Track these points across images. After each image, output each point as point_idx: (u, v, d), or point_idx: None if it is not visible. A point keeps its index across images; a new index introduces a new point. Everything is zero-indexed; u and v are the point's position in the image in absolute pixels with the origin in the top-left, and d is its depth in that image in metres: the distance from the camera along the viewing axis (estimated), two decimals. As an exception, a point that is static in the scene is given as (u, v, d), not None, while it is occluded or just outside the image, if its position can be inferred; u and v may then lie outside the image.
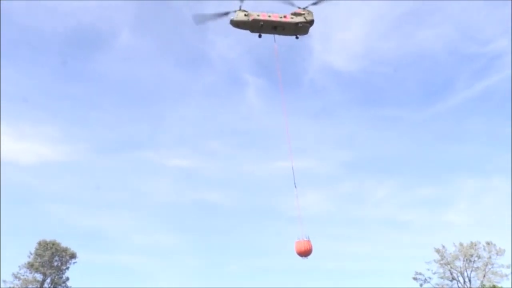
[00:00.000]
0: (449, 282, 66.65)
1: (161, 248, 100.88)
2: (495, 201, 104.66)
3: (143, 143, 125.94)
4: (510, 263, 64.28)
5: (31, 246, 65.83)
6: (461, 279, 66.28)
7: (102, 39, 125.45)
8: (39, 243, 65.76)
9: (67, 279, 65.82)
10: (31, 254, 65.05)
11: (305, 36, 31.07)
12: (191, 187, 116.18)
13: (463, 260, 66.62)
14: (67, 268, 66.34)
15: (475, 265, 65.93)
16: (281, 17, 29.65)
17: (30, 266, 63.80)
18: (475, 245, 66.45)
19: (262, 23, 29.22)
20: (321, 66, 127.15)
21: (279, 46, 31.29)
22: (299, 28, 29.93)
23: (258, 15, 29.27)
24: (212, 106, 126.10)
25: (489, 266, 65.17)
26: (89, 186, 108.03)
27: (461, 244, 67.45)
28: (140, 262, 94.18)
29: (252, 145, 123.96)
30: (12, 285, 62.22)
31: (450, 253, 67.48)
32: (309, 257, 25.60)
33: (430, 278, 67.60)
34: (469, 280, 65.76)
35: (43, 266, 63.88)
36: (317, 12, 30.90)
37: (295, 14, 30.02)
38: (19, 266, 63.98)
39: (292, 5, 30.12)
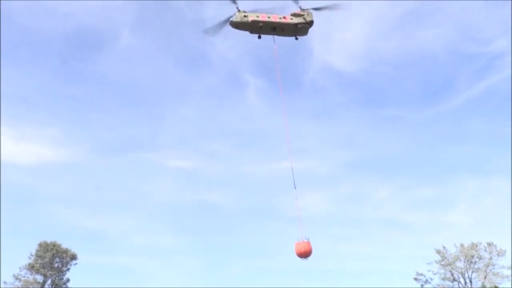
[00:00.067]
0: (450, 283, 66.62)
1: (162, 249, 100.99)
2: (496, 201, 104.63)
3: (144, 143, 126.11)
4: (510, 264, 64.29)
5: (32, 247, 66.01)
6: (462, 280, 66.25)
7: (103, 40, 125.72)
8: (40, 245, 65.80)
9: (68, 280, 65.89)
10: (31, 255, 65.13)
11: (305, 36, 31.07)
12: (192, 188, 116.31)
13: (464, 261, 66.55)
14: (68, 269, 66.40)
15: (476, 266, 65.88)
16: (280, 18, 29.62)
17: (31, 267, 63.83)
18: (476, 246, 66.38)
19: (261, 24, 29.19)
20: (322, 66, 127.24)
21: (279, 46, 31.31)
22: (298, 29, 29.88)
23: (257, 16, 29.24)
24: (213, 106, 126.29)
25: (490, 267, 65.12)
26: (89, 187, 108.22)
27: (462, 245, 67.40)
28: (140, 263, 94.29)
29: (252, 146, 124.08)
30: (12, 287, 62.31)
31: (451, 254, 67.46)
32: (309, 258, 25.61)
33: (431, 279, 67.64)
34: (470, 281, 65.70)
35: (43, 268, 63.90)
36: (318, 13, 30.92)
37: (295, 15, 29.98)
38: (19, 268, 64.11)
39: (296, 2, 29.97)
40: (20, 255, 69.73)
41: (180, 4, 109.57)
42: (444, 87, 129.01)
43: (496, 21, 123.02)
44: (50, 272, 64.04)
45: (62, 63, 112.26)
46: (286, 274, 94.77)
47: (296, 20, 29.92)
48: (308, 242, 25.44)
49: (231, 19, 29.43)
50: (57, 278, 64.86)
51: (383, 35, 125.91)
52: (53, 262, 64.93)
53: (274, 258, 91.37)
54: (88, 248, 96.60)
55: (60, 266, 65.60)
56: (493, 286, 62.46)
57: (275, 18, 29.73)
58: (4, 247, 75.00)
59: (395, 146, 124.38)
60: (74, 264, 66.89)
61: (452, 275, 66.83)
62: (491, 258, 65.57)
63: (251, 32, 29.84)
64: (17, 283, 62.52)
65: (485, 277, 64.64)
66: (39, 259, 64.40)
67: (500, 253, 65.54)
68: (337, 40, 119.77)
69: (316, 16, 31.03)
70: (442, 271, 67.40)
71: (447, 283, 66.67)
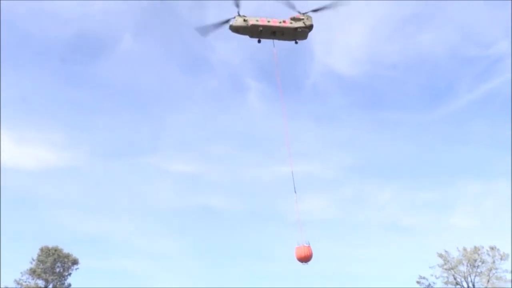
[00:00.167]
0: (452, 287, 66.34)
1: (164, 253, 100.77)
2: (499, 204, 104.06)
3: (145, 147, 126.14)
4: (510, 268, 64.14)
5: (33, 252, 66.02)
6: (464, 284, 65.98)
7: (104, 44, 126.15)
8: (41, 249, 65.82)
9: (69, 285, 65.85)
10: (33, 260, 65.13)
11: (307, 40, 31.13)
12: (193, 191, 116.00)
13: (467, 265, 66.34)
14: (69, 274, 66.39)
15: (479, 270, 65.63)
16: (280, 22, 29.69)
17: (32, 272, 63.84)
18: (479, 250, 66.16)
19: (261, 28, 29.27)
20: (323, 70, 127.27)
21: (281, 50, 31.41)
22: (298, 33, 29.96)
23: (257, 20, 29.32)
24: (214, 110, 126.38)
25: (493, 271, 64.88)
26: (91, 191, 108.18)
27: (464, 249, 67.19)
28: (142, 267, 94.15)
29: (254, 149, 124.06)
30: (14, 292, 62.34)
31: (454, 258, 67.25)
32: (310, 262, 25.55)
33: (434, 283, 67.43)
34: (473, 285, 65.44)
35: (45, 273, 63.90)
36: (319, 16, 30.94)
37: (294, 19, 30.05)
38: (21, 273, 64.12)
39: (293, 7, 30.01)
40: (21, 260, 69.74)
41: (182, 7, 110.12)
42: (446, 90, 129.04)
43: (497, 23, 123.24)
44: (51, 277, 64.03)
45: (61, 61, 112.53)
46: (288, 278, 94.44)
47: (295, 24, 30.00)
48: (309, 247, 25.41)
49: (231, 23, 29.52)
50: (58, 283, 64.83)
51: (384, 38, 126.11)
52: (54, 267, 64.93)
53: (276, 262, 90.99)
54: (90, 253, 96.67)
55: (61, 271, 65.59)
56: (496, 290, 62.21)
57: (274, 23, 29.81)
58: (5, 251, 75.11)
59: (396, 149, 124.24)
60: (76, 268, 66.93)
61: (455, 279, 66.60)
62: (494, 262, 65.33)
63: (251, 36, 29.93)
64: (19, 288, 62.60)
65: (488, 281, 64.38)
66: (41, 264, 64.42)
67: (503, 257, 65.32)
68: (339, 44, 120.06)
69: (317, 20, 31.10)
70: (445, 274, 67.25)
71: (450, 287, 66.46)
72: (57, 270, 65.24)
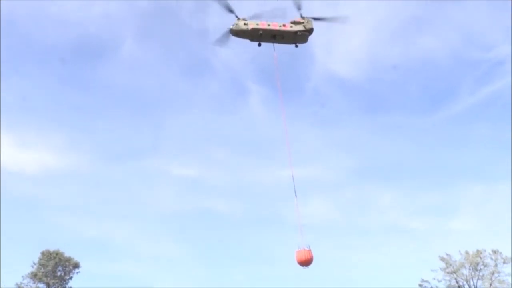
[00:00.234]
0: (455, 291, 66.15)
1: (165, 257, 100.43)
2: (501, 207, 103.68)
3: (147, 151, 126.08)
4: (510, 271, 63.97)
5: (35, 256, 66.06)
6: (467, 287, 65.72)
7: (106, 48, 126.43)
8: (43, 253, 65.84)
9: (70, 288, 65.93)
10: (34, 264, 65.14)
11: (308, 43, 31.19)
12: (195, 195, 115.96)
13: (469, 269, 66.13)
14: (71, 278, 66.38)
15: (481, 274, 65.42)
16: (280, 26, 29.75)
17: (34, 276, 63.85)
18: (481, 253, 65.95)
19: (261, 32, 29.34)
20: (324, 73, 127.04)
21: (282, 54, 31.46)
22: (298, 37, 29.98)
23: (257, 24, 29.39)
24: (216, 114, 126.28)
25: (496, 275, 64.64)
26: (92, 194, 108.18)
27: (467, 252, 67.00)
28: (144, 272, 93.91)
29: (256, 153, 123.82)
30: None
31: (456, 261, 67.08)
32: (310, 266, 25.50)
33: (436, 286, 67.23)
34: (476, 289, 65.21)
35: (46, 276, 63.91)
36: (317, 23, 30.97)
37: (295, 22, 30.11)
38: (22, 276, 64.15)
39: (299, 9, 29.97)
40: (22, 263, 69.71)
41: (183, 11, 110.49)
42: (447, 93, 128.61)
43: (498, 26, 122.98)
44: (52, 281, 64.03)
45: (61, 62, 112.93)
46: (289, 282, 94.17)
47: (296, 28, 30.04)
48: (309, 250, 25.35)
49: (231, 27, 29.59)
50: (59, 286, 64.84)
51: (385, 41, 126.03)
52: (55, 270, 64.94)
53: (277, 266, 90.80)
54: (91, 256, 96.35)
55: (62, 274, 65.60)
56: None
57: (275, 26, 29.86)
58: (6, 255, 75.04)
59: (398, 152, 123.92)
60: (77, 272, 66.94)
61: (457, 282, 66.39)
62: (496, 266, 65.13)
63: (251, 40, 30.00)
64: (20, 292, 62.61)
65: (491, 284, 64.13)
66: (42, 268, 64.44)
67: (506, 261, 65.12)
68: (340, 47, 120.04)
69: (318, 24, 31.14)
70: (447, 278, 67.07)
71: (452, 290, 66.25)
72: (58, 273, 65.24)
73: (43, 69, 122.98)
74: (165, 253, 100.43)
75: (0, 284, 61.96)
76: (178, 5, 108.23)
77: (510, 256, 64.80)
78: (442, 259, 67.66)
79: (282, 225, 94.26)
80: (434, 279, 67.30)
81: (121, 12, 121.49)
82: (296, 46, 30.63)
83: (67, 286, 65.64)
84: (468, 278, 65.88)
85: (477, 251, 66.37)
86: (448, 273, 66.86)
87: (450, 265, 67.12)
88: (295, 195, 26.70)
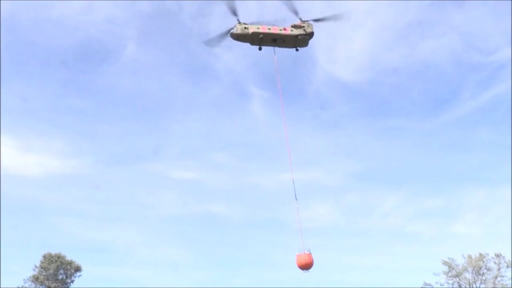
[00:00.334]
0: (458, 294, 65.88)
1: (167, 261, 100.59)
2: (503, 211, 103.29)
3: (149, 155, 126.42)
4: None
5: (36, 259, 66.20)
6: (470, 291, 65.46)
7: (108, 52, 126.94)
8: (44, 256, 65.97)
9: (72, 292, 65.97)
10: (36, 267, 65.37)
11: (310, 47, 31.16)
12: (196, 199, 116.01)
13: (472, 272, 65.86)
14: (72, 281, 66.54)
15: (484, 278, 65.13)
16: (280, 30, 29.65)
17: (35, 279, 63.95)
18: (484, 257, 65.68)
19: (262, 35, 29.22)
20: (326, 77, 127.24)
21: (284, 58, 31.36)
22: (299, 41, 29.87)
23: (257, 28, 29.30)
24: (217, 118, 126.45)
25: (499, 279, 64.40)
26: (94, 198, 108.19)
27: (469, 256, 66.71)
28: (145, 275, 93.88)
29: (257, 157, 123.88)
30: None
31: (458, 265, 66.83)
32: (310, 270, 25.41)
33: (439, 288, 67.00)
34: (478, 293, 64.92)
35: (48, 279, 63.99)
36: (321, 24, 30.91)
37: (295, 26, 29.99)
38: (24, 280, 64.39)
39: (297, 14, 30.02)
40: (24, 266, 69.91)
41: (185, 15, 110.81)
42: (449, 97, 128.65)
43: (500, 30, 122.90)
44: (54, 284, 64.08)
45: (62, 64, 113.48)
46: (290, 285, 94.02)
47: (296, 31, 29.93)
48: (309, 254, 25.24)
49: (231, 31, 29.54)
50: (61, 289, 64.89)
51: (387, 45, 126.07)
52: (57, 274, 65.02)
53: (279, 270, 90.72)
54: (93, 260, 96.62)
55: (64, 278, 65.68)
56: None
57: (275, 30, 29.78)
58: (8, 258, 75.25)
59: (400, 156, 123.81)
60: (78, 276, 67.12)
61: (460, 286, 66.13)
62: (499, 269, 64.91)
63: (252, 43, 29.91)
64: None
65: (494, 288, 63.87)
66: (44, 271, 64.55)
67: (509, 265, 64.84)
68: (342, 51, 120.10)
69: (319, 27, 31.05)
70: (450, 282, 66.82)
71: (455, 294, 65.99)
72: (60, 277, 65.33)
73: (45, 72, 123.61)
74: (166, 256, 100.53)
75: (0, 284, 62.08)
76: (180, 9, 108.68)
77: (511, 260, 64.60)
78: (445, 263, 67.46)
79: (283, 229, 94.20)
80: (437, 283, 67.23)
81: (124, 16, 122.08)
82: (297, 50, 30.52)
83: (68, 289, 65.72)
84: (471, 282, 65.61)
85: (480, 255, 66.13)
86: (451, 277, 66.64)
87: (453, 269, 66.90)
88: (296, 199, 26.63)
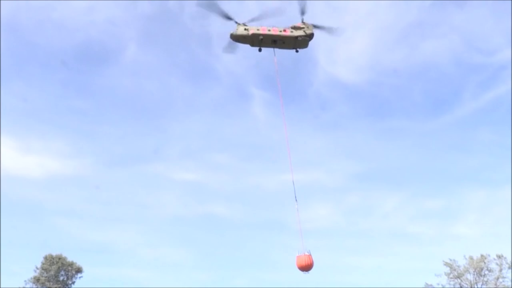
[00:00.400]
0: (459, 296, 65.73)
1: (167, 262, 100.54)
2: (505, 212, 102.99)
3: (149, 156, 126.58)
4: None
5: (37, 260, 66.20)
6: (471, 292, 65.31)
7: (109, 53, 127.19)
8: (45, 258, 65.96)
9: (73, 293, 65.96)
10: (37, 268, 65.34)
11: (310, 48, 31.24)
12: (197, 200, 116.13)
13: (473, 273, 65.70)
14: (73, 282, 66.53)
15: (485, 279, 64.97)
16: (280, 31, 29.75)
17: (36, 280, 63.97)
18: (485, 258, 65.54)
19: (261, 37, 29.34)
20: (327, 78, 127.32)
21: (285, 59, 31.45)
22: (298, 42, 29.98)
23: (258, 29, 29.40)
24: (218, 119, 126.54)
25: (500, 280, 64.21)
26: (95, 199, 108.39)
27: (471, 257, 66.56)
28: (146, 276, 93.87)
29: (258, 158, 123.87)
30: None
31: (460, 266, 66.69)
32: (310, 271, 25.40)
33: (441, 288, 66.88)
34: (480, 294, 64.76)
35: (49, 281, 64.00)
36: (316, 30, 31.05)
37: (295, 27, 30.10)
38: (25, 281, 64.34)
39: (302, 13, 30.07)
40: (25, 268, 69.94)
41: (186, 17, 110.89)
42: (450, 98, 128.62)
43: (501, 31, 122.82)
44: (55, 285, 64.08)
45: (62, 65, 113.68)
46: (291, 287, 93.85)
47: (296, 33, 30.02)
48: (309, 255, 25.24)
49: (231, 32, 29.65)
50: (62, 291, 64.91)
51: (388, 46, 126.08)
52: (58, 275, 65.02)
53: (279, 271, 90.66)
54: (94, 261, 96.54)
55: (65, 279, 65.68)
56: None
57: (275, 31, 29.86)
58: (9, 259, 75.35)
59: (401, 157, 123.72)
60: (80, 277, 67.07)
61: (462, 287, 65.93)
62: (501, 271, 64.72)
63: (252, 45, 30.00)
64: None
65: (495, 289, 63.70)
66: (45, 272, 64.55)
67: (510, 266, 64.65)
68: (342, 52, 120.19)
69: (317, 30, 31.15)
70: (451, 283, 66.66)
71: (457, 295, 65.83)
72: (61, 278, 65.33)
73: (46, 73, 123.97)
74: (166, 256, 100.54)
75: (0, 284, 62.15)
76: (181, 10, 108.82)
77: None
78: (447, 264, 67.29)
79: (283, 230, 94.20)
80: (438, 284, 67.06)
81: (124, 17, 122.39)
82: (297, 51, 30.61)
83: (69, 291, 65.72)
84: (472, 283, 65.45)
85: (481, 256, 65.98)
86: (452, 278, 66.48)
87: (454, 270, 66.73)
88: (296, 200, 26.66)
